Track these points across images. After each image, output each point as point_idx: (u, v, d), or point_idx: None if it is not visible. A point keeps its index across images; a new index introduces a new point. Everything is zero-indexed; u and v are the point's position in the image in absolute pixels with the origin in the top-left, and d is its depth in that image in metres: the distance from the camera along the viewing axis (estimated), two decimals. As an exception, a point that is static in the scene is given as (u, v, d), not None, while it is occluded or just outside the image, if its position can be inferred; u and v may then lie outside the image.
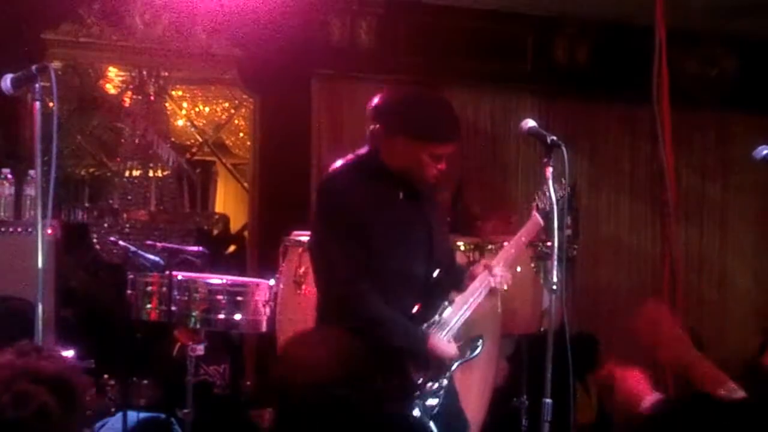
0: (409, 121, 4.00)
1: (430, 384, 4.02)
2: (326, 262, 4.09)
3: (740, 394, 2.70)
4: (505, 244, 4.94)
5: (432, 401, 4.02)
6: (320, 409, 2.38)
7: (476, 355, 4.20)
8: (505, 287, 4.26)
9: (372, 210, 4.00)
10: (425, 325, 4.05)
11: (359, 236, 3.94)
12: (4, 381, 2.17)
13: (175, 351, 6.42)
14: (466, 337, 4.16)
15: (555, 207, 3.88)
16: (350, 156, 4.38)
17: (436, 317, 4.08)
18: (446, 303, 4.12)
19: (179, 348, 6.41)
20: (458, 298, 4.15)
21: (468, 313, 4.15)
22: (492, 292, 4.23)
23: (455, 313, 4.12)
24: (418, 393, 3.98)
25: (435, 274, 4.09)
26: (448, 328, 4.08)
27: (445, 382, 4.07)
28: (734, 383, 2.75)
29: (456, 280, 4.22)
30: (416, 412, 3.96)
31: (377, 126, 4.05)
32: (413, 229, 4.08)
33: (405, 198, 4.09)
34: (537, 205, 4.42)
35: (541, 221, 4.37)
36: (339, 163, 4.26)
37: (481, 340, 4.19)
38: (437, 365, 4.04)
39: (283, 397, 2.51)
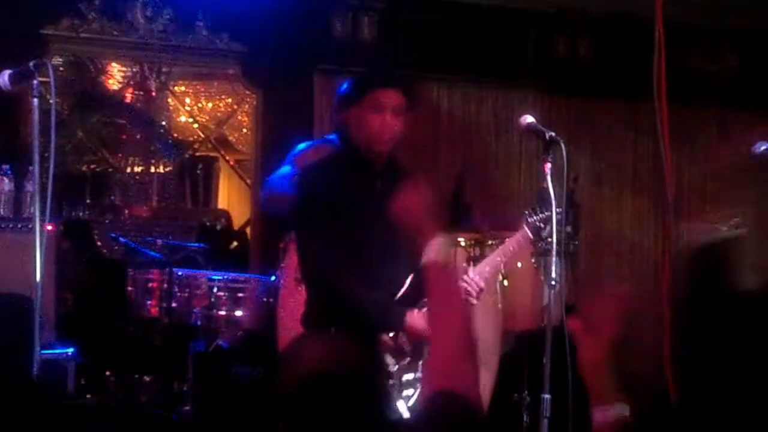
0: (346, 86, 4.10)
1: (406, 375, 3.99)
2: (301, 245, 4.15)
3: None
4: (507, 240, 4.95)
5: (408, 392, 3.99)
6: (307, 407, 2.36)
7: None
8: (474, 295, 4.28)
9: (336, 190, 4.03)
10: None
11: (327, 216, 3.96)
12: None
13: (211, 348, 6.43)
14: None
15: (553, 202, 3.87)
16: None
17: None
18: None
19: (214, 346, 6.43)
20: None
21: None
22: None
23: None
24: (392, 382, 3.95)
25: (399, 294, 4.07)
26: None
27: (419, 374, 4.03)
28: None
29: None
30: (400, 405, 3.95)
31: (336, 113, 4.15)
32: (368, 213, 3.97)
33: (362, 178, 4.07)
34: (527, 219, 4.48)
35: (530, 235, 4.45)
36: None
37: None
38: (413, 350, 4.01)
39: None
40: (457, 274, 3.97)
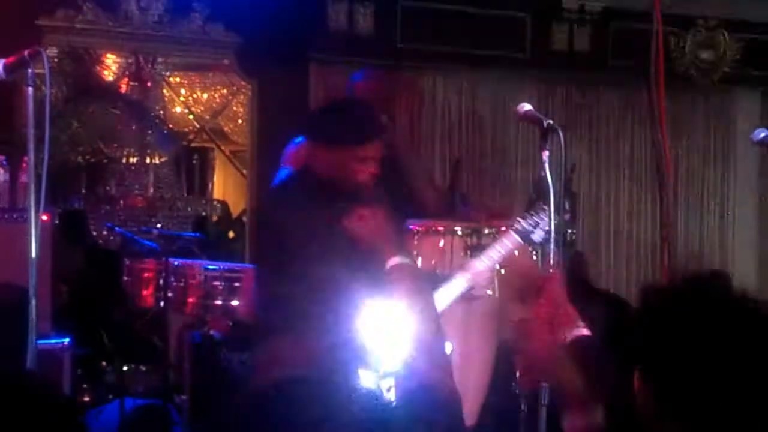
0: (332, 130, 3.93)
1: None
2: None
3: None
4: (503, 229, 4.90)
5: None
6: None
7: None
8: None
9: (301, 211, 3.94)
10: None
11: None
12: None
13: (201, 338, 6.40)
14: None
15: (552, 190, 3.85)
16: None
17: None
18: None
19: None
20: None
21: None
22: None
23: None
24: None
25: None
26: None
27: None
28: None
29: None
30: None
31: (305, 140, 4.09)
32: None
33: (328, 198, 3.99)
34: (517, 228, 4.41)
35: (520, 240, 4.39)
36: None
37: None
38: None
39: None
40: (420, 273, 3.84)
